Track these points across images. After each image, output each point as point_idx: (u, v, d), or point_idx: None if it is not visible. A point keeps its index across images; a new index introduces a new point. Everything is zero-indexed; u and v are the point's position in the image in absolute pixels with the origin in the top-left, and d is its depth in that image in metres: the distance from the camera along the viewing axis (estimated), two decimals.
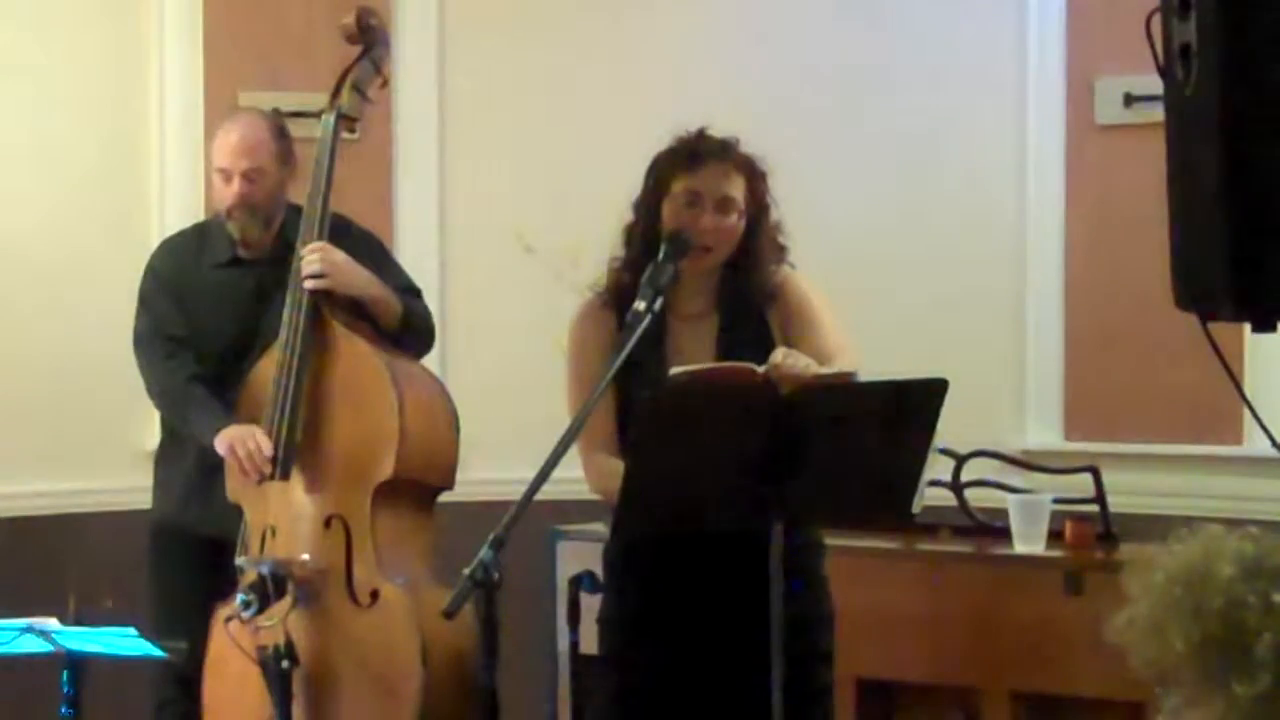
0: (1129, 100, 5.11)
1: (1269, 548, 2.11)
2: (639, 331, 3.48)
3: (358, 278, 4.27)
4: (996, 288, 5.37)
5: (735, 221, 3.72)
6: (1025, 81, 5.32)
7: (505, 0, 5.65)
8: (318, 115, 4.40)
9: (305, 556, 4.10)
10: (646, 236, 3.72)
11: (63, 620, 3.93)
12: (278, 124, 4.45)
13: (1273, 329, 2.59)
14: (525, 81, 5.60)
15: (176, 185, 5.38)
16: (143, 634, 3.82)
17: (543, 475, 3.24)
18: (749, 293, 3.75)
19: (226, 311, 4.40)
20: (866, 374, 3.50)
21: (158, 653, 3.86)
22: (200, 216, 5.03)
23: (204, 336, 4.40)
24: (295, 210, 4.36)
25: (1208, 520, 2.19)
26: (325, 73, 4.51)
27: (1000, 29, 5.37)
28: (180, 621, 4.20)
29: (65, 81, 5.38)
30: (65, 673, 3.90)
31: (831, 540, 3.87)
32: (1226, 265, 2.52)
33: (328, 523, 4.14)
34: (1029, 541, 4.46)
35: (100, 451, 5.30)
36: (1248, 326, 2.61)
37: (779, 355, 3.43)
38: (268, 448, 4.13)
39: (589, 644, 3.92)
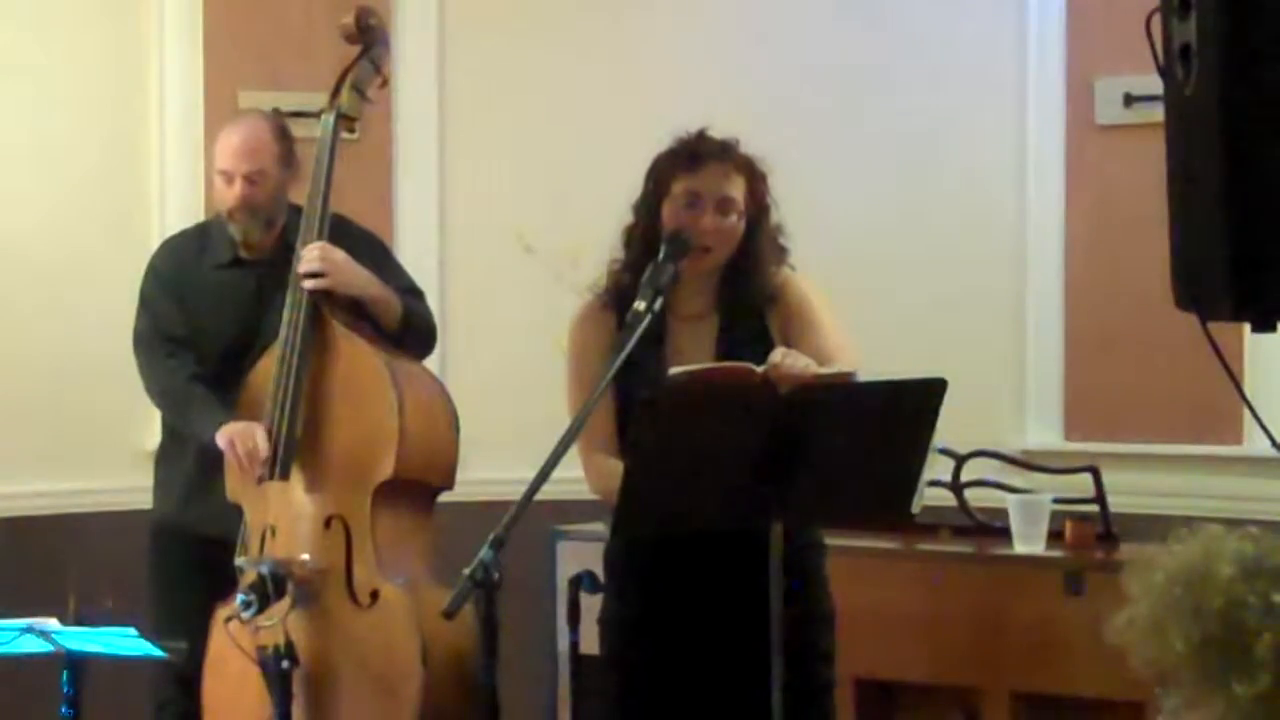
0: (1129, 100, 5.11)
1: (1269, 548, 2.11)
2: (639, 331, 3.48)
3: (357, 277, 4.26)
4: (996, 288, 5.37)
5: (735, 222, 3.71)
6: (1025, 81, 5.32)
7: (505, 0, 5.65)
8: (317, 115, 4.40)
9: (305, 556, 4.10)
10: (647, 238, 3.72)
11: (63, 620, 3.93)
12: (280, 126, 4.44)
13: (1273, 329, 2.59)
14: (525, 81, 5.60)
15: (176, 185, 5.39)
16: (143, 634, 3.82)
17: (543, 475, 3.24)
18: (749, 294, 3.75)
19: (227, 312, 4.40)
20: (866, 374, 3.50)
21: (158, 653, 3.86)
22: (200, 217, 5.04)
23: (204, 337, 4.40)
24: (297, 211, 4.35)
25: (1208, 520, 2.20)
26: (325, 73, 4.50)
27: (1000, 29, 5.36)
28: (180, 621, 4.20)
29: (65, 81, 5.38)
30: (65, 673, 3.90)
31: (831, 540, 3.87)
32: (1226, 265, 2.52)
33: (328, 523, 4.14)
34: (1029, 541, 4.46)
35: (100, 451, 5.30)
36: (1248, 326, 2.61)
37: (778, 355, 3.43)
38: (265, 448, 4.13)
39: (589, 644, 3.91)
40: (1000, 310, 5.36)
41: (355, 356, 4.19)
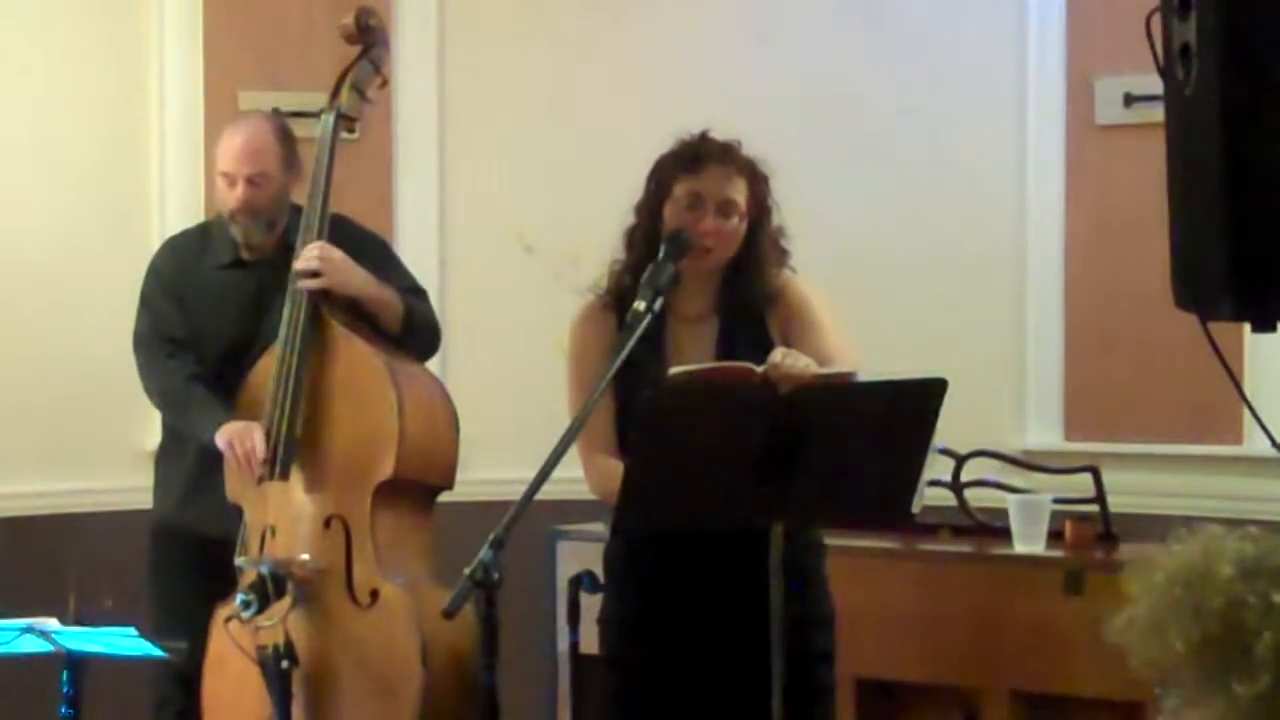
0: (1129, 100, 5.11)
1: (1269, 548, 2.11)
2: (639, 331, 3.48)
3: (354, 277, 4.26)
4: (996, 288, 5.37)
5: (737, 224, 3.71)
6: (1025, 81, 5.32)
7: (505, 0, 5.65)
8: (317, 115, 4.40)
9: (305, 556, 4.10)
10: (648, 239, 3.72)
11: (63, 620, 3.94)
12: (282, 127, 4.44)
13: (1273, 329, 2.59)
14: (525, 81, 5.60)
15: (176, 185, 5.39)
16: (143, 634, 3.82)
17: (543, 475, 3.24)
18: (750, 296, 3.75)
19: (228, 313, 4.40)
20: (866, 374, 3.50)
21: (158, 653, 3.86)
22: (200, 217, 5.04)
23: (205, 337, 4.40)
24: (298, 212, 4.35)
25: (1208, 520, 2.19)
26: (325, 73, 4.51)
27: (1000, 29, 5.36)
28: (180, 621, 4.21)
29: (65, 81, 5.38)
30: (65, 673, 3.90)
31: (831, 540, 3.87)
32: (1226, 265, 2.52)
33: (327, 523, 4.14)
34: (1029, 541, 4.46)
35: (100, 451, 5.30)
36: (1248, 326, 2.61)
37: (778, 355, 3.43)
38: (263, 449, 4.13)
39: (589, 644, 3.92)
40: (1000, 310, 5.36)
41: (355, 356, 4.19)
